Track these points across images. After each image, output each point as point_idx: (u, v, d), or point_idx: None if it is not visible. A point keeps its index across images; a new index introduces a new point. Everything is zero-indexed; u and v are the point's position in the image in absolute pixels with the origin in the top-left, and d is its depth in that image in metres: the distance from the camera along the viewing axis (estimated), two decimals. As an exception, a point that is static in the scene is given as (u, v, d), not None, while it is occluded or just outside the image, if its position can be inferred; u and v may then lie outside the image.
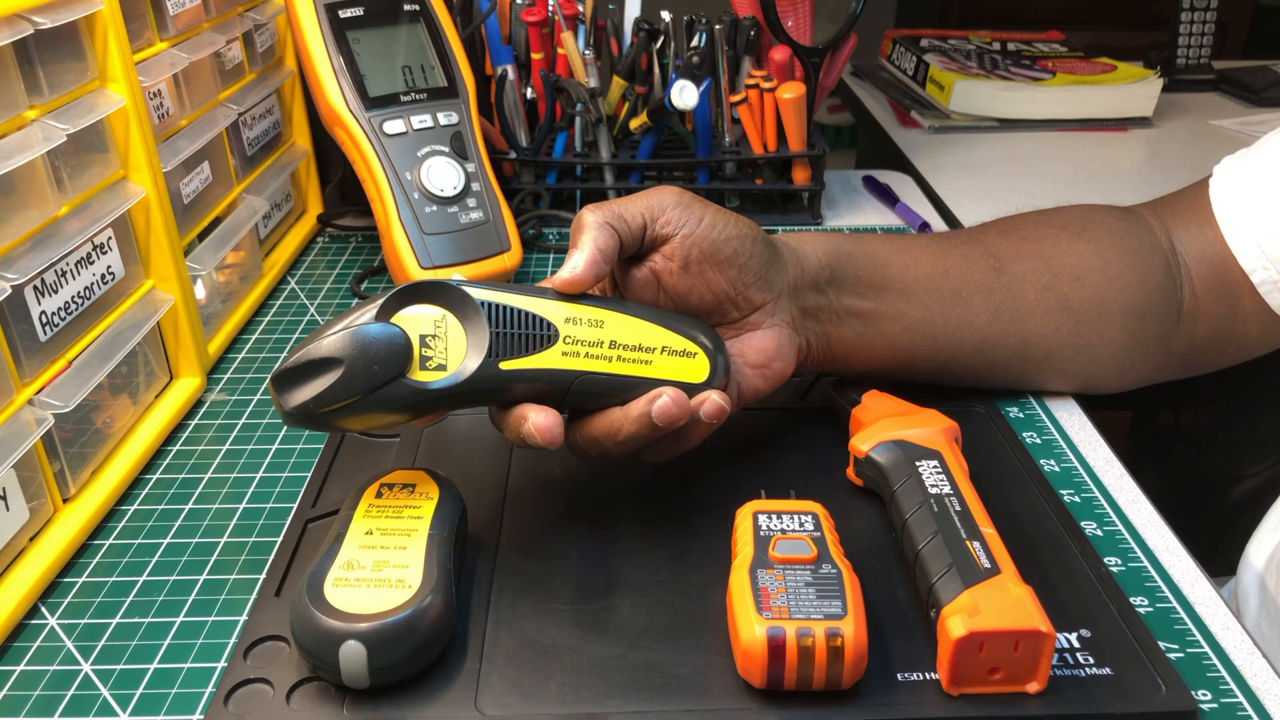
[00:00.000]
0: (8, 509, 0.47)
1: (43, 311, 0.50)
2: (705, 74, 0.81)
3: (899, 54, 1.41)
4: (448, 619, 0.41)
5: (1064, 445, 0.57)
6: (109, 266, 0.56)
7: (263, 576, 0.48)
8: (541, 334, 0.45)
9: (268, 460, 0.58)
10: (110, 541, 0.51)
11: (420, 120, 0.70)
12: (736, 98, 0.85)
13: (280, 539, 0.50)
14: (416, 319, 0.44)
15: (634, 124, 0.84)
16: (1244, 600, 0.62)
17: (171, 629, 0.45)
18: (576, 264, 0.46)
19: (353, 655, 0.39)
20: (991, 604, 0.39)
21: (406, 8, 0.73)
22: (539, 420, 0.44)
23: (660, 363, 0.47)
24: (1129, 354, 0.59)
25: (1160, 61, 1.38)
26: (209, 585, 0.48)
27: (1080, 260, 0.57)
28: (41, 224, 0.51)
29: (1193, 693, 0.40)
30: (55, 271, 0.51)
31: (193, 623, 0.46)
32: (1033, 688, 0.40)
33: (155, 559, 0.50)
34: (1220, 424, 1.10)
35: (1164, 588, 0.47)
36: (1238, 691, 0.41)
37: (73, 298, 0.53)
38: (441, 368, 0.43)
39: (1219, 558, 0.68)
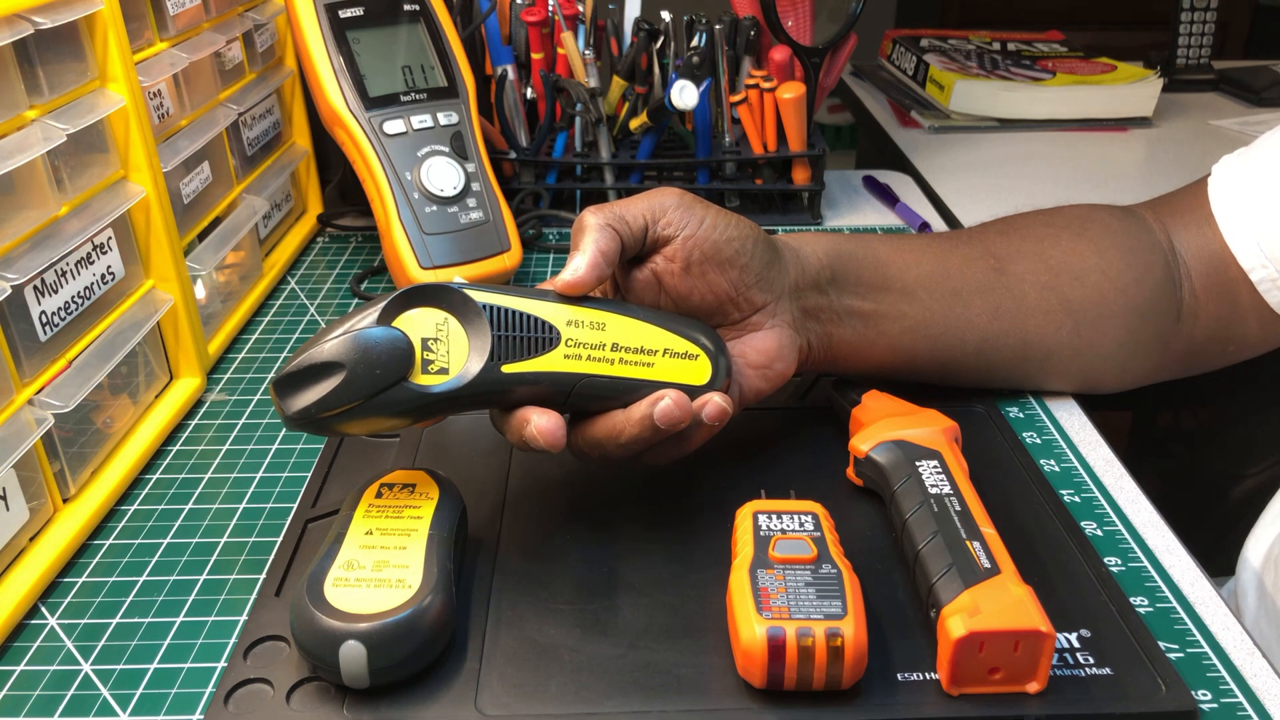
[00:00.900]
0: (8, 509, 0.47)
1: (43, 311, 0.50)
2: (705, 74, 0.81)
3: (899, 54, 1.41)
4: (448, 619, 0.41)
5: (1064, 445, 0.57)
6: (109, 266, 0.56)
7: (263, 576, 0.48)
8: (543, 337, 0.45)
9: (268, 460, 0.58)
10: (110, 541, 0.51)
11: (420, 120, 0.70)
12: (736, 98, 0.85)
13: (280, 539, 0.50)
14: (418, 322, 0.44)
15: (634, 124, 0.84)
16: (1242, 598, 0.62)
17: (171, 629, 0.45)
18: (578, 266, 0.46)
19: (353, 655, 0.39)
20: (991, 604, 0.39)
21: (406, 8, 0.73)
22: (541, 423, 0.44)
23: (662, 365, 0.47)
24: (1129, 353, 0.59)
25: (1160, 61, 1.38)
26: (209, 585, 0.48)
27: (1080, 260, 0.57)
28: (41, 224, 0.51)
29: (1193, 693, 0.40)
30: (55, 271, 0.51)
31: (193, 623, 0.46)
32: (1033, 688, 0.40)
33: (155, 559, 0.50)
34: (1220, 424, 1.10)
35: (1164, 588, 0.47)
36: (1238, 691, 0.41)
37: (73, 298, 0.53)
38: (444, 371, 0.43)
39: (1219, 558, 0.68)
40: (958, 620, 0.39)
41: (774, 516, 0.44)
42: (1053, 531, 0.49)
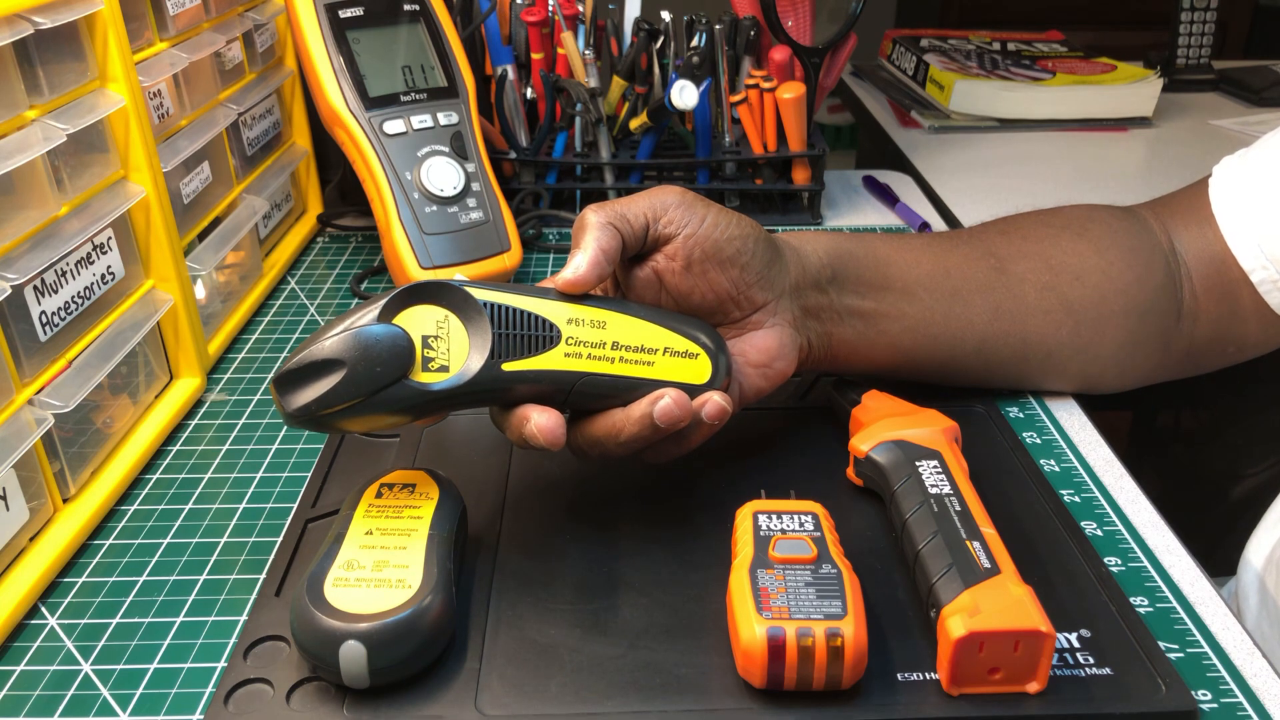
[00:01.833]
0: (8, 509, 0.47)
1: (43, 311, 0.50)
2: (705, 74, 0.81)
3: (899, 54, 1.41)
4: (448, 619, 0.41)
5: (1064, 445, 0.57)
6: (109, 266, 0.56)
7: (263, 576, 0.48)
8: (544, 335, 0.45)
9: (268, 460, 0.58)
10: (110, 541, 0.51)
11: (420, 120, 0.70)
12: (736, 98, 0.85)
13: (280, 539, 0.50)
14: (419, 320, 0.44)
15: (634, 124, 0.84)
16: (1244, 599, 0.62)
17: (171, 629, 0.45)
18: (580, 264, 0.46)
19: (353, 655, 0.39)
20: (991, 604, 0.39)
21: (406, 8, 0.73)
22: (541, 421, 0.44)
23: (662, 364, 0.47)
24: (1129, 354, 0.59)
25: (1160, 61, 1.38)
26: (209, 585, 0.48)
27: (1081, 260, 0.57)
28: (41, 224, 0.51)
29: (1193, 693, 0.40)
30: (55, 271, 0.51)
31: (193, 623, 0.46)
32: (1033, 688, 0.40)
33: (155, 559, 0.50)
34: (1220, 424, 1.10)
35: (1164, 588, 0.47)
36: (1238, 691, 0.41)
37: (73, 298, 0.53)
38: (444, 369, 0.43)
39: (1219, 558, 0.68)
40: (958, 620, 0.39)
41: (774, 516, 0.44)
42: (1053, 531, 0.49)
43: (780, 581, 0.41)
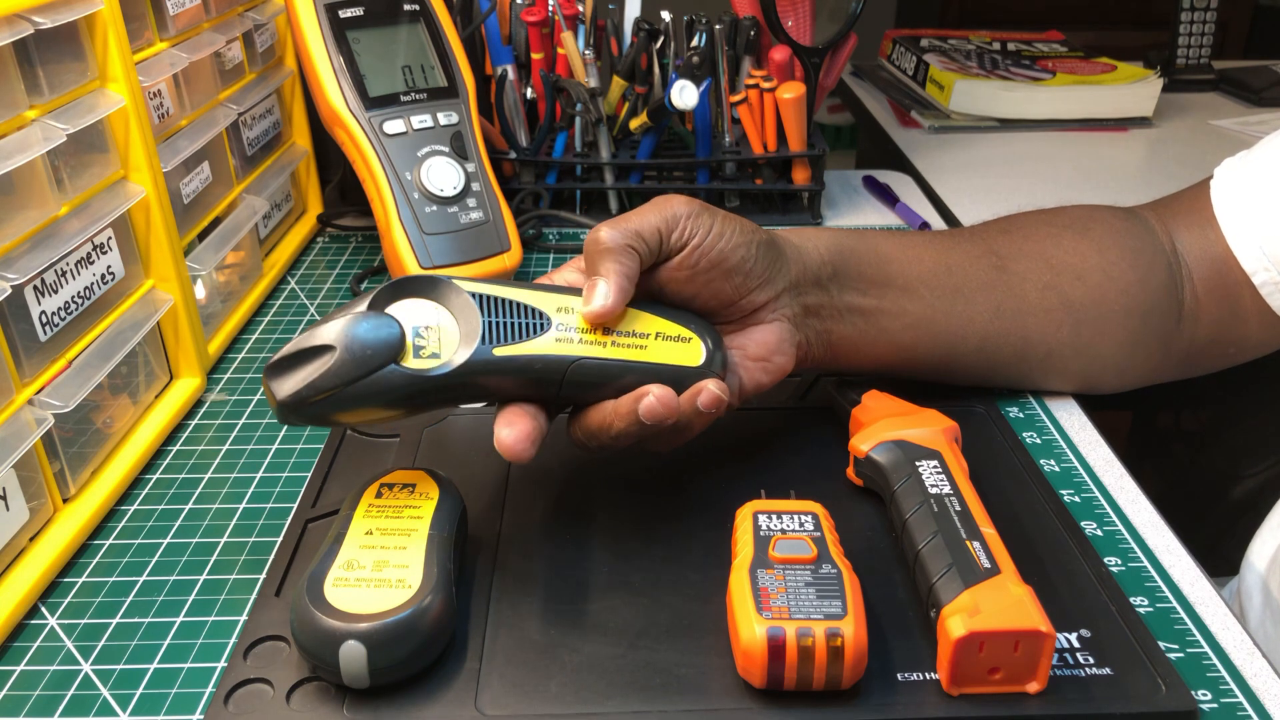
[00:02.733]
0: (8, 509, 0.47)
1: (43, 311, 0.50)
2: (705, 74, 0.81)
3: (899, 54, 1.41)
4: (448, 619, 0.41)
5: (1064, 445, 0.57)
6: (109, 266, 0.56)
7: (263, 576, 0.48)
8: (534, 322, 0.45)
9: (268, 460, 0.58)
10: (110, 541, 0.51)
11: (420, 120, 0.70)
12: (736, 98, 0.85)
13: (280, 539, 0.50)
14: (409, 311, 0.44)
15: (634, 124, 0.84)
16: (1247, 601, 0.62)
17: (171, 629, 0.45)
18: (607, 295, 0.45)
19: (353, 655, 0.39)
20: (991, 604, 0.39)
21: (406, 8, 0.73)
22: (502, 435, 0.44)
23: (655, 347, 0.47)
24: (1129, 354, 0.59)
25: (1160, 61, 1.38)
26: (209, 585, 0.48)
27: (1082, 260, 0.57)
28: (41, 224, 0.51)
29: (1193, 693, 0.40)
30: (55, 271, 0.51)
31: (193, 623, 0.46)
32: (1033, 688, 0.40)
33: (155, 559, 0.50)
34: (1220, 424, 1.10)
35: (1164, 588, 0.47)
36: (1238, 691, 0.41)
37: (73, 298, 0.53)
38: (435, 356, 0.44)
39: (1219, 558, 0.68)
40: (958, 620, 0.39)
41: (774, 516, 0.44)
42: (1053, 531, 0.49)
43: (780, 581, 0.41)
